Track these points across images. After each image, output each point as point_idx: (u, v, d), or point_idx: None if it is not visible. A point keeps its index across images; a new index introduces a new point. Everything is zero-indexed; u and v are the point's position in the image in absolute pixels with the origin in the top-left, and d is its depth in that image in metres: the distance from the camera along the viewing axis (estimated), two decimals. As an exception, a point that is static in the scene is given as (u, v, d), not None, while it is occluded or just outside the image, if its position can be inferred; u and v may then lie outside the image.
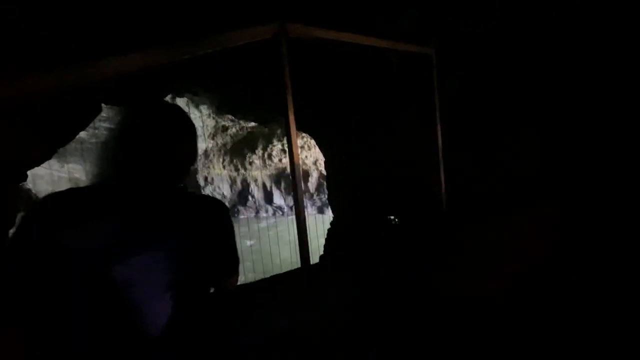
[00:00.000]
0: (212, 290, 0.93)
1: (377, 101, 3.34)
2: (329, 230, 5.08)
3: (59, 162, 15.91)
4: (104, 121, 15.62)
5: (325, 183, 8.29)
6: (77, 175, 17.42)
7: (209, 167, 15.37)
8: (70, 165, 16.39)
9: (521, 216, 2.68)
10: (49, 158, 3.03)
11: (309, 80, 3.41)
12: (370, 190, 3.66)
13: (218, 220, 0.90)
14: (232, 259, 0.95)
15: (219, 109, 9.53)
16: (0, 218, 1.97)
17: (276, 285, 1.66)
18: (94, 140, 16.34)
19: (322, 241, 5.36)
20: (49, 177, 15.75)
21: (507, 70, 3.05)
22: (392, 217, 3.27)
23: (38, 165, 2.89)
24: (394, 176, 3.38)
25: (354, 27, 2.09)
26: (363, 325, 1.80)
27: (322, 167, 13.95)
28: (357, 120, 3.68)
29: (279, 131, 14.67)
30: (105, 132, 15.81)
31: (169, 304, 0.75)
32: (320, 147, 5.40)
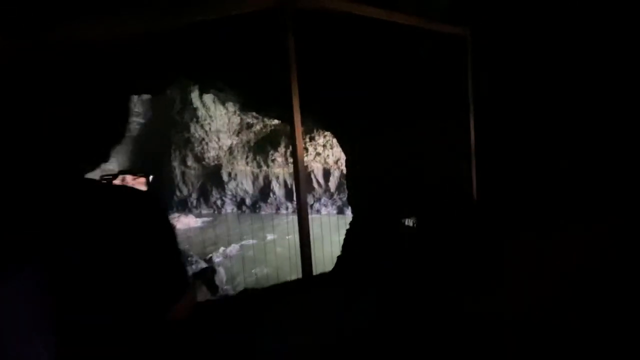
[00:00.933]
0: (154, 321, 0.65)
1: (401, 95, 3.17)
2: (347, 231, 4.97)
3: (95, 154, 16.91)
4: (137, 116, 16.40)
5: (346, 182, 8.19)
6: (110, 168, 18.46)
7: (232, 163, 15.69)
8: (105, 157, 17.36)
9: (573, 231, 2.27)
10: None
11: (329, 73, 3.30)
12: (392, 192, 3.51)
13: (142, 224, 0.62)
14: (174, 277, 0.67)
15: (244, 106, 9.67)
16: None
17: (271, 301, 1.40)
18: (127, 134, 17.22)
19: (339, 239, 5.28)
20: (85, 169, 16.75)
21: (558, 63, 2.63)
22: (414, 222, 3.08)
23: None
24: (419, 177, 3.20)
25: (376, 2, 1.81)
26: (379, 356, 1.51)
27: (343, 167, 13.82)
28: (379, 116, 3.54)
29: (301, 129, 14.69)
30: (137, 127, 16.61)
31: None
32: (341, 146, 5.30)
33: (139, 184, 1.02)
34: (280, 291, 1.48)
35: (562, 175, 2.52)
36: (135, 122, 16.54)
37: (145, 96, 15.29)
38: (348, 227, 5.09)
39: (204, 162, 15.95)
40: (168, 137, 15.91)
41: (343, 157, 11.49)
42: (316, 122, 6.41)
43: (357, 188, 4.66)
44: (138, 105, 15.83)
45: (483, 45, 2.39)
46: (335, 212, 14.49)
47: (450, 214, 2.67)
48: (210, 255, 9.53)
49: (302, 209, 1.56)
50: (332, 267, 5.26)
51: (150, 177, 1.06)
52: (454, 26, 2.20)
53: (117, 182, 0.98)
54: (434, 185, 2.97)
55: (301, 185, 1.55)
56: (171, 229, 0.67)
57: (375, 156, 3.84)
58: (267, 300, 1.41)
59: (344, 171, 14.35)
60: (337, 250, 5.24)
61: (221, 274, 7.22)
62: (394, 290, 1.68)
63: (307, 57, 1.63)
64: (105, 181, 0.90)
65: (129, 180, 1.01)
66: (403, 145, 3.29)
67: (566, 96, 2.57)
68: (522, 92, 2.57)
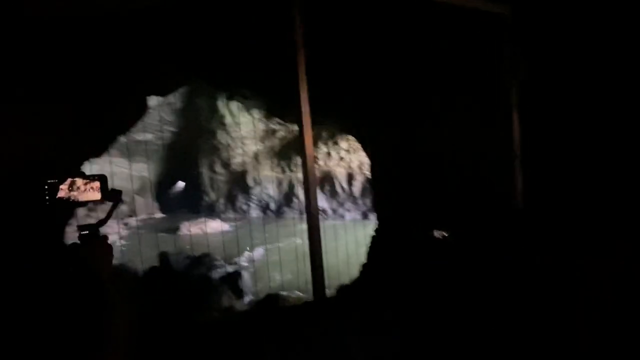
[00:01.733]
0: None
1: (431, 92, 2.98)
2: (372, 238, 4.85)
3: (129, 161, 17.94)
4: (168, 125, 17.23)
5: (370, 187, 8.03)
6: (144, 174, 19.50)
7: (257, 169, 16.00)
8: (139, 164, 18.37)
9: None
10: (98, 155, 3.25)
11: (352, 73, 3.22)
12: (420, 198, 3.35)
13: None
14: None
15: (268, 112, 9.85)
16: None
17: (276, 333, 1.22)
18: (159, 142, 18.15)
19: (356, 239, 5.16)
20: (122, 174, 17.81)
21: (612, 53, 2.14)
22: (446, 232, 2.86)
23: (86, 159, 3.11)
24: (451, 182, 3.00)
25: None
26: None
27: (367, 171, 13.65)
28: (405, 117, 3.41)
29: (324, 134, 14.72)
30: (169, 135, 17.44)
31: None
32: (365, 150, 5.21)
33: (93, 188, 0.91)
34: (287, 318, 1.32)
35: (613, 175, 2.17)
36: (167, 130, 17.37)
37: (176, 105, 16.04)
38: (373, 233, 4.97)
39: (230, 168, 16.40)
40: (197, 144, 16.54)
41: (367, 162, 11.35)
42: (339, 126, 6.37)
43: (381, 193, 4.55)
44: (170, 115, 16.60)
45: (525, 26, 2.06)
46: (359, 217, 14.30)
47: (490, 224, 2.35)
48: (235, 259, 9.71)
49: (312, 217, 1.40)
50: (357, 275, 5.14)
51: (110, 184, 0.93)
52: (493, 3, 1.91)
53: (65, 186, 0.85)
54: (470, 192, 2.70)
55: (311, 190, 1.43)
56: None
57: (401, 160, 3.72)
58: (273, 332, 1.26)
59: (368, 176, 14.18)
60: (361, 256, 5.12)
61: (246, 278, 7.31)
62: (424, 320, 1.40)
63: (330, 57, 1.58)
64: (51, 183, 0.79)
65: (80, 184, 0.88)
66: (432, 147, 3.12)
67: (622, 86, 2.20)
68: (570, 81, 2.21)
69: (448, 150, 2.96)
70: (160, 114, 16.50)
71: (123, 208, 16.71)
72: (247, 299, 6.85)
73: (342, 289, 5.50)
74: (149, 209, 17.42)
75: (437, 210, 3.06)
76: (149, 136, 17.09)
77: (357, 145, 13.99)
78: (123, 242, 12.60)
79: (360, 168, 14.35)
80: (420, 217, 3.31)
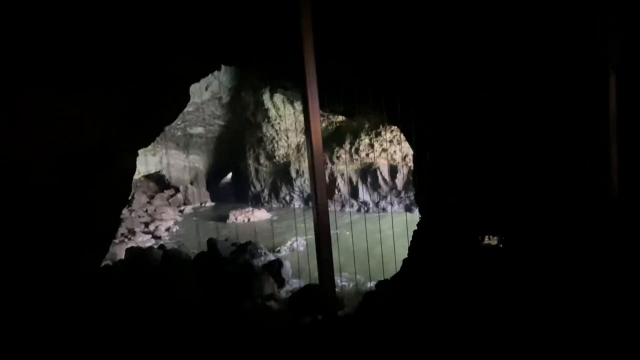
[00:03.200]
0: None
1: (487, 81, 2.67)
2: (415, 233, 4.62)
3: (184, 153, 19.40)
4: (217, 118, 18.22)
5: (413, 180, 7.67)
6: (197, 165, 21.00)
7: (299, 160, 16.23)
8: (192, 156, 19.78)
9: None
10: (146, 145, 3.44)
11: (399, 55, 3.00)
12: (472, 196, 3.04)
13: None
14: None
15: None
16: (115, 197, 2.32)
17: None
18: (210, 135, 19.33)
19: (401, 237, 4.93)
20: (177, 165, 19.34)
21: None
22: (500, 239, 2.46)
23: (139, 148, 3.30)
24: (514, 179, 2.61)
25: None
26: None
27: (411, 163, 13.06)
28: (457, 106, 3.12)
29: (367, 125, 14.37)
30: (218, 128, 18.46)
31: None
32: (409, 141, 4.94)
33: None
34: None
35: None
36: (217, 124, 18.39)
37: (225, 100, 16.87)
38: (416, 228, 4.73)
39: (274, 160, 16.88)
40: (244, 137, 17.27)
41: (411, 153, 10.84)
42: (384, 116, 6.12)
43: (426, 187, 4.27)
44: (219, 109, 17.50)
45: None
46: (402, 210, 13.82)
47: (569, 230, 1.89)
48: (278, 248, 10.02)
49: (320, 212, 1.11)
50: (398, 269, 4.96)
51: None
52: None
53: None
54: (537, 192, 2.24)
55: (318, 183, 1.16)
56: None
57: (450, 153, 3.43)
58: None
59: (412, 168, 13.60)
60: (402, 249, 4.91)
61: (287, 267, 7.49)
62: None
63: (377, 43, 1.45)
64: None
65: None
66: (490, 137, 2.80)
67: None
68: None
69: (512, 143, 2.60)
70: (210, 108, 17.52)
71: (178, 196, 18.21)
72: (288, 287, 7.04)
73: (382, 284, 5.35)
74: (201, 198, 18.72)
75: (489, 210, 2.75)
76: (200, 130, 18.28)
77: (401, 136, 13.44)
78: (177, 227, 13.76)
79: (404, 159, 13.80)
80: (468, 215, 3.03)
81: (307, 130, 1.19)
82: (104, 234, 2.86)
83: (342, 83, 4.88)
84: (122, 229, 12.22)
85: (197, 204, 18.20)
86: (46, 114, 2.11)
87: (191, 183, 19.17)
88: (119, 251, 9.31)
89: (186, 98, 3.71)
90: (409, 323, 2.86)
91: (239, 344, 4.16)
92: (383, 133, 13.67)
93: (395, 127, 13.85)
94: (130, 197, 16.93)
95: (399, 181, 13.80)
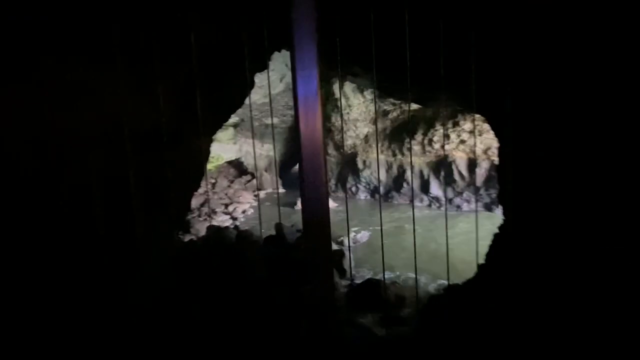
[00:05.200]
0: None
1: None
2: (495, 236, 4.04)
3: (260, 142, 20.82)
4: (290, 109, 18.98)
5: (497, 176, 6.73)
6: (271, 154, 22.37)
7: (367, 151, 15.87)
8: (267, 145, 21.12)
9: None
10: (214, 130, 3.56)
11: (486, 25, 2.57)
12: (573, 195, 2.46)
13: None
14: None
15: (380, 91, 9.42)
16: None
17: None
18: (284, 125, 20.32)
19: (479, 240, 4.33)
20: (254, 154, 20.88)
21: None
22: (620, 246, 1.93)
23: (208, 134, 3.46)
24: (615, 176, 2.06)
25: None
26: None
27: (495, 157, 11.54)
28: (557, 90, 2.52)
29: (443, 113, 13.17)
30: (291, 118, 19.27)
31: None
32: (494, 130, 4.29)
33: None
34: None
35: None
36: (289, 114, 19.19)
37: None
38: (497, 231, 4.14)
39: (342, 150, 16.87)
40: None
41: (495, 146, 9.53)
42: (464, 103, 5.48)
43: (511, 184, 3.65)
44: (290, 100, 18.19)
45: None
46: (480, 209, 12.43)
47: None
48: (341, 238, 10.04)
49: (307, 197, 0.81)
50: (473, 274, 4.43)
51: None
52: None
53: None
54: None
55: (315, 164, 0.90)
56: None
57: (548, 143, 2.81)
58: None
59: (495, 162, 12.08)
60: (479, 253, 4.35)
61: (348, 258, 7.45)
62: None
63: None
64: None
65: None
66: (601, 127, 2.20)
67: None
68: None
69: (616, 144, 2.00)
70: (284, 99, 18.32)
71: (254, 182, 19.73)
72: (349, 278, 7.00)
73: (451, 289, 4.87)
74: (273, 185, 19.95)
75: (611, 216, 2.14)
76: (275, 120, 19.32)
77: (485, 127, 11.94)
78: (252, 210, 14.94)
79: (485, 153, 12.29)
80: (567, 220, 2.45)
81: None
82: (175, 211, 3.17)
83: (414, 71, 4.47)
84: (206, 209, 13.80)
85: (270, 190, 19.47)
86: (106, 91, 2.26)
87: (265, 170, 20.55)
88: (202, 228, 10.52)
89: (251, 85, 3.83)
90: (477, 336, 2.50)
91: (298, 328, 4.28)
92: (462, 122, 12.36)
93: (478, 115, 12.43)
94: (214, 181, 19.07)
95: (479, 176, 12.38)
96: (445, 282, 6.52)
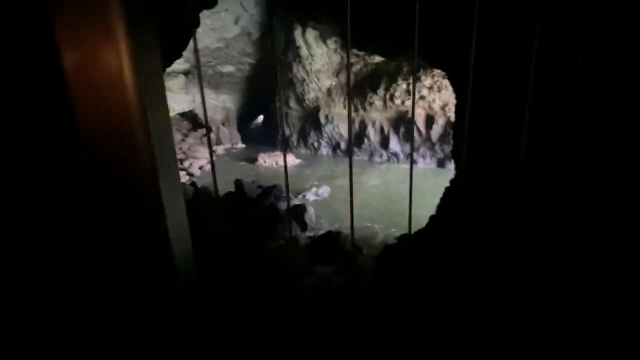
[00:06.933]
0: None
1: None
2: (446, 189, 4.30)
3: (215, 93, 19.29)
4: (247, 56, 17.49)
5: (452, 132, 7.02)
6: (228, 105, 20.99)
7: (330, 105, 15.55)
8: (223, 96, 19.67)
9: None
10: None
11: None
12: (537, 156, 2.58)
13: None
14: None
15: (344, 41, 8.90)
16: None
17: None
18: (240, 74, 18.83)
19: (431, 200, 4.66)
20: (209, 104, 19.40)
21: None
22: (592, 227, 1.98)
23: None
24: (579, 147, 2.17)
25: None
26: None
27: (451, 113, 12.00)
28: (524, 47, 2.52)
29: (405, 69, 13.10)
30: (248, 67, 17.86)
31: None
32: (454, 86, 4.33)
33: None
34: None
35: None
36: (246, 62, 17.73)
37: (255, 36, 15.93)
38: (448, 184, 4.40)
39: (304, 104, 16.32)
40: (274, 78, 16.61)
41: (452, 102, 9.85)
42: (427, 58, 5.39)
43: (465, 140, 3.81)
44: (249, 46, 16.67)
45: None
46: (434, 165, 13.21)
47: None
48: (303, 193, 10.16)
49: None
50: (422, 227, 4.78)
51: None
52: None
53: None
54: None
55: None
56: None
57: (507, 99, 2.89)
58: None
59: (451, 118, 12.57)
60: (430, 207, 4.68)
61: (310, 213, 7.62)
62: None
63: None
64: None
65: None
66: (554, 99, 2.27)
67: None
68: None
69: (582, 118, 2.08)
70: (240, 45, 16.73)
71: (212, 136, 18.64)
72: (311, 232, 7.23)
73: (403, 238, 5.26)
74: (232, 139, 19.06)
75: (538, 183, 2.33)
76: (230, 68, 17.78)
77: (443, 83, 12.16)
78: (209, 167, 14.35)
79: (443, 109, 12.70)
80: (517, 177, 2.63)
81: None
82: None
83: (379, 19, 4.20)
84: (158, 165, 12.89)
85: (229, 145, 18.62)
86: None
87: (223, 124, 19.39)
88: (156, 185, 9.92)
89: (195, 24, 3.34)
90: (425, 285, 2.74)
91: (263, 282, 4.40)
92: (423, 78, 12.44)
93: (439, 71, 12.48)
94: (165, 135, 17.63)
95: (435, 133, 12.92)
96: (397, 231, 7.03)
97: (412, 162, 1.36)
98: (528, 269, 2.04)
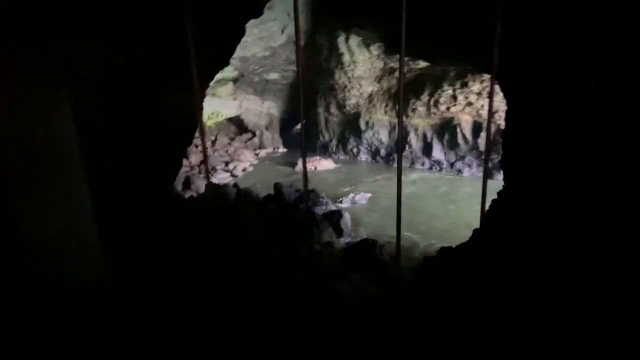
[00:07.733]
0: None
1: None
2: (493, 201, 4.02)
3: (261, 99, 20.14)
4: (292, 64, 18.07)
5: (501, 141, 6.55)
6: (272, 111, 21.78)
7: (371, 112, 15.42)
8: (267, 102, 20.46)
9: None
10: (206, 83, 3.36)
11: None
12: (587, 169, 2.36)
13: None
14: None
15: (387, 46, 8.81)
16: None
17: None
18: (284, 81, 19.48)
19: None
20: (254, 110, 20.33)
21: None
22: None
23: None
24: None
25: None
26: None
27: (501, 120, 11.19)
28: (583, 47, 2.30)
29: (452, 74, 12.54)
30: (292, 74, 18.41)
31: None
32: (504, 92, 4.06)
33: None
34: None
35: None
36: (290, 69, 18.29)
37: (300, 45, 16.34)
38: (496, 197, 4.12)
39: (344, 110, 16.38)
40: (316, 84, 16.94)
41: (502, 109, 9.15)
42: (474, 63, 5.14)
43: (518, 150, 3.54)
44: (294, 54, 17.20)
45: None
46: (481, 174, 12.39)
47: None
48: (340, 199, 10.14)
49: None
50: (465, 240, 4.51)
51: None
52: None
53: None
54: None
55: None
56: None
57: (562, 115, 2.65)
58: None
59: (501, 126, 11.75)
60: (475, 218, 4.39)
61: (346, 219, 7.58)
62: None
63: None
64: None
65: None
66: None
67: None
68: None
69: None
70: (286, 53, 17.32)
71: (254, 140, 19.47)
72: (346, 238, 7.18)
73: (444, 251, 4.99)
74: (274, 143, 19.73)
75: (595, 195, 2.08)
76: (275, 75, 18.47)
77: (494, 89, 11.39)
78: (252, 169, 14.97)
79: (492, 116, 11.90)
80: (569, 191, 2.38)
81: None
82: (164, 164, 3.09)
83: (423, 25, 4.09)
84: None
85: (271, 149, 19.29)
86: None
87: (266, 128, 20.16)
88: (202, 185, 10.60)
89: (241, 33, 3.53)
90: (464, 300, 2.58)
91: (297, 284, 4.47)
92: (470, 83, 11.81)
93: (489, 76, 11.76)
94: (214, 138, 18.82)
95: (482, 140, 12.16)
96: (438, 243, 6.69)
97: (400, 167, 1.30)
98: (587, 290, 1.83)
